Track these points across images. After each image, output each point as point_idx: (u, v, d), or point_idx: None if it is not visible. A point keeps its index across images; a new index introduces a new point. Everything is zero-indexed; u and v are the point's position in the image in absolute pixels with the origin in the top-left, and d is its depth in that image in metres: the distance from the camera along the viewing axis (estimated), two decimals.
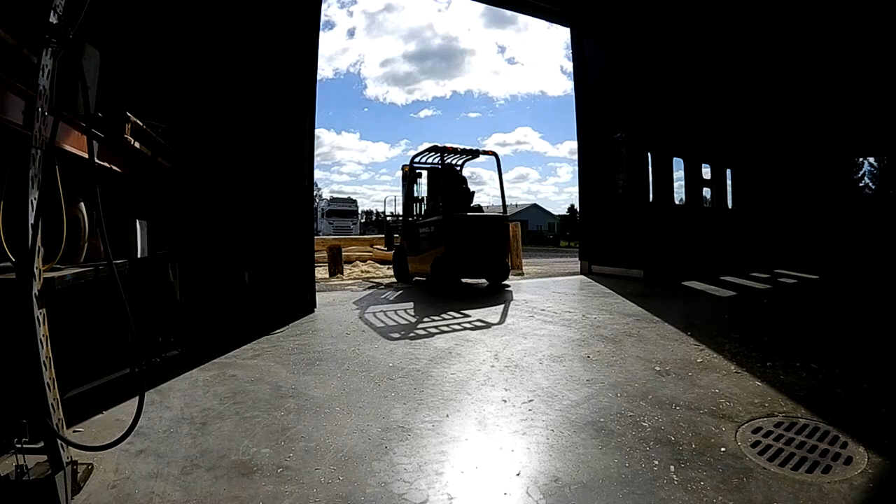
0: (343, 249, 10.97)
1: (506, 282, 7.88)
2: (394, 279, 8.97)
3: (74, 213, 2.62)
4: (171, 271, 4.15)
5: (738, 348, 3.80)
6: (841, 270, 9.44)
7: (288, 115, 5.68)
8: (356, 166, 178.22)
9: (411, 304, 6.25)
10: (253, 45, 5.37)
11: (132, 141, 3.15)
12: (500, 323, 5.03)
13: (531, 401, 2.83)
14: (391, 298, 6.78)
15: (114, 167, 3.11)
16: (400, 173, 9.62)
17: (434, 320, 5.19)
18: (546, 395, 2.93)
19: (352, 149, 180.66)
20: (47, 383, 1.78)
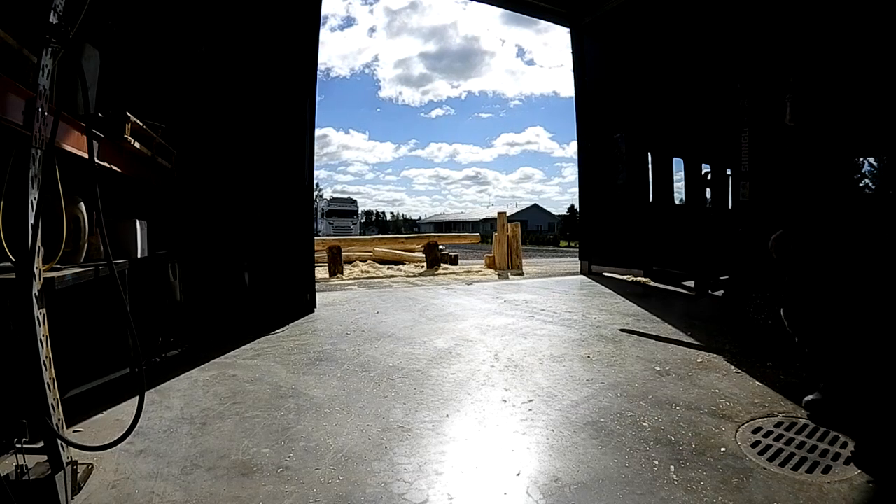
0: (343, 249, 10.96)
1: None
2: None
3: (74, 213, 2.62)
4: (171, 271, 4.15)
5: (737, 348, 3.80)
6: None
7: (288, 115, 5.68)
8: (363, 166, 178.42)
9: None
10: (253, 44, 5.36)
11: (132, 141, 3.15)
12: None
13: (531, 401, 2.83)
14: None
15: (114, 167, 3.11)
16: None
17: None
18: (546, 395, 2.92)
19: (360, 148, 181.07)
20: (47, 383, 1.78)
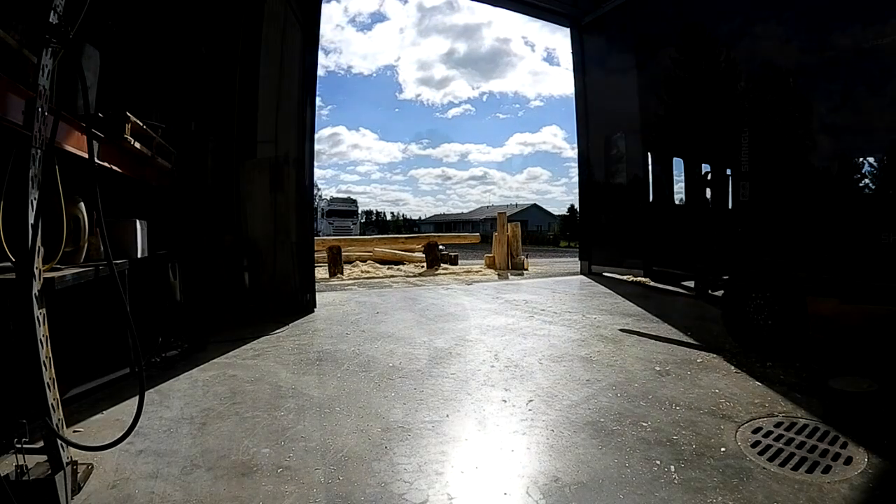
0: (343, 249, 10.95)
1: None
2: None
3: (74, 213, 2.62)
4: (171, 271, 4.15)
5: (737, 348, 3.80)
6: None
7: (288, 116, 5.67)
8: (372, 166, 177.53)
9: None
10: (253, 45, 5.36)
11: (132, 141, 3.15)
12: None
13: (531, 401, 2.83)
14: None
15: (114, 167, 3.11)
16: None
17: None
18: (546, 395, 2.92)
19: (371, 148, 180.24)
20: (47, 383, 1.78)
